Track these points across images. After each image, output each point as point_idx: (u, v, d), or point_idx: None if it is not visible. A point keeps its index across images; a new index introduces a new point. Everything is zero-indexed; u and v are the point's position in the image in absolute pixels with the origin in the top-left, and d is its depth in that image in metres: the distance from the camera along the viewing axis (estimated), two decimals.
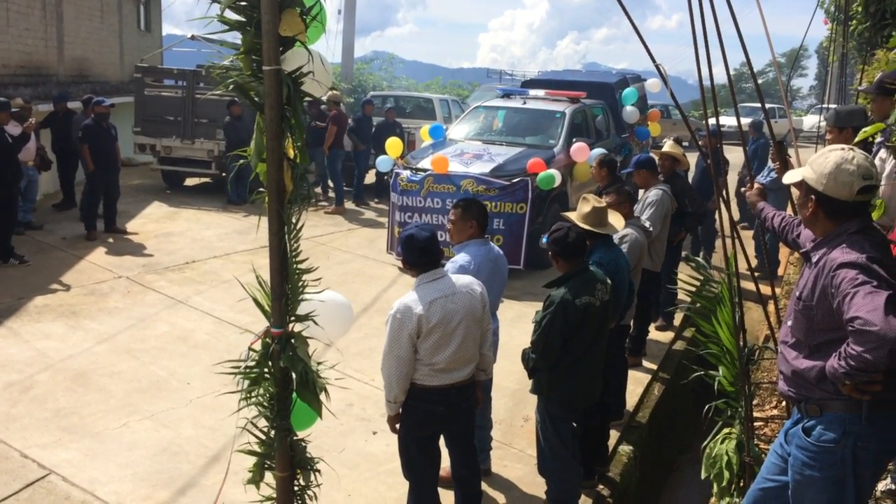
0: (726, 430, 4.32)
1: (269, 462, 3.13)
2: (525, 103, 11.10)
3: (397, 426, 3.79)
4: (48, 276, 8.20)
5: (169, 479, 4.57)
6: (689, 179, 9.04)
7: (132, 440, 4.98)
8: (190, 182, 14.02)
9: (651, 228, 5.99)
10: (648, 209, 6.36)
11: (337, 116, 12.28)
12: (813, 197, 2.87)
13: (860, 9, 8.38)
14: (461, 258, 4.27)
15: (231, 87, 2.83)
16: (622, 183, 6.97)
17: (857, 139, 3.61)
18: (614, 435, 5.35)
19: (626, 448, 5.36)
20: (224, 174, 12.57)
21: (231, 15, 2.76)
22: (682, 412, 6.49)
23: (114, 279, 8.29)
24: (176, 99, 13.04)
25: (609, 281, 4.21)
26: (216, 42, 2.87)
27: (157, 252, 9.44)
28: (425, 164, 9.18)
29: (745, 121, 24.17)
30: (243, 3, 2.72)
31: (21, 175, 9.12)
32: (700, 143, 9.13)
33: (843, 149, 2.85)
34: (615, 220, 4.70)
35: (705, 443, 4.42)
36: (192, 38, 15.46)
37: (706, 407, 4.58)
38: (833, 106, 16.16)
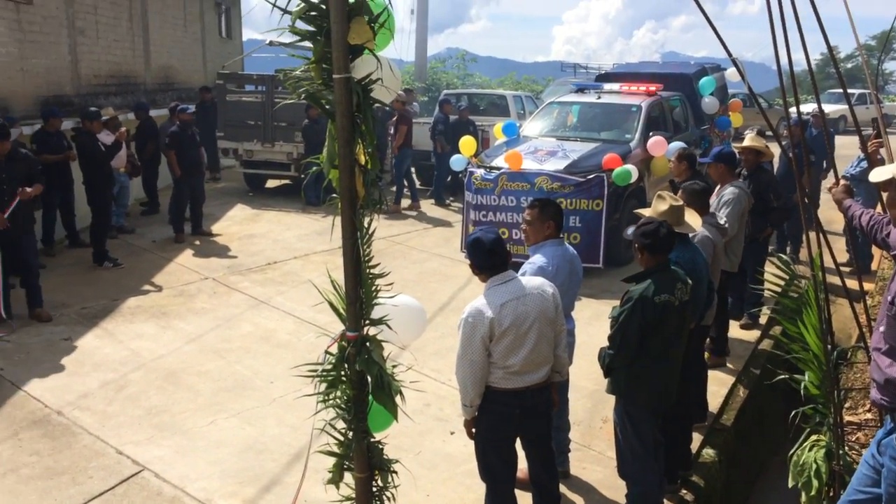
0: (814, 437, 4.15)
1: (347, 463, 3.19)
2: (600, 98, 10.93)
3: (473, 430, 3.79)
4: (140, 278, 8.57)
5: (254, 477, 4.71)
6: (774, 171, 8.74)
7: (219, 438, 5.16)
8: (271, 184, 14.38)
9: (727, 226, 5.76)
10: (724, 207, 6.12)
11: (404, 116, 12.37)
12: None
13: None
14: (539, 259, 4.25)
15: (303, 95, 2.90)
16: (701, 177, 6.77)
17: None
18: (697, 438, 5.21)
19: (710, 451, 5.21)
20: (303, 176, 12.84)
21: (302, 25, 2.83)
22: (769, 414, 6.27)
23: (201, 280, 8.59)
24: (256, 104, 13.38)
25: (689, 281, 4.11)
26: (292, 48, 2.93)
27: (240, 253, 9.74)
28: (499, 162, 9.15)
29: (831, 108, 23.12)
30: (313, 14, 2.78)
31: (114, 181, 9.56)
32: (783, 133, 8.80)
33: None
34: (692, 218, 4.58)
35: (792, 450, 4.26)
36: (270, 43, 15.83)
37: (793, 412, 4.41)
38: None
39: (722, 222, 5.52)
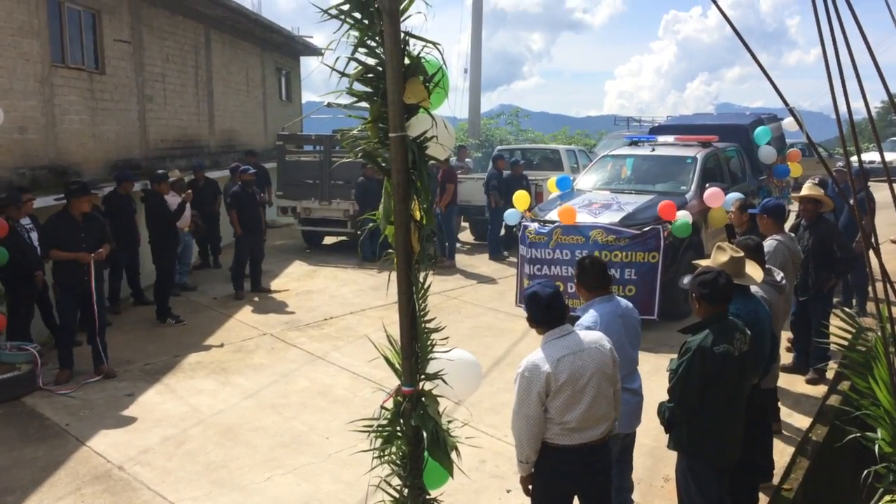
0: (888, 497, 3.95)
1: None
2: (654, 150, 10.89)
3: (530, 487, 3.72)
4: (201, 335, 8.76)
5: None
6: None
7: (275, 494, 5.17)
8: (328, 241, 14.64)
9: (784, 282, 5.53)
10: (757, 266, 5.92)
11: (449, 173, 12.48)
12: None
13: None
14: (586, 319, 4.19)
15: (360, 154, 2.98)
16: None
17: None
18: (764, 499, 5.01)
19: None
20: (359, 232, 13.06)
21: (359, 87, 2.93)
22: (839, 473, 6.00)
23: (259, 336, 8.73)
24: (314, 163, 13.75)
25: (748, 332, 4.01)
26: (349, 108, 3.03)
27: (298, 309, 9.88)
28: (553, 215, 9.15)
29: (892, 156, 22.57)
30: (370, 76, 2.88)
31: (179, 241, 9.88)
32: (840, 181, 8.61)
33: None
34: (753, 270, 4.49)
35: None
36: (328, 105, 16.34)
37: (864, 472, 4.21)
38: None
39: (778, 279, 5.32)
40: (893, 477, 4.02)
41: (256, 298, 10.42)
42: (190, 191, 10.31)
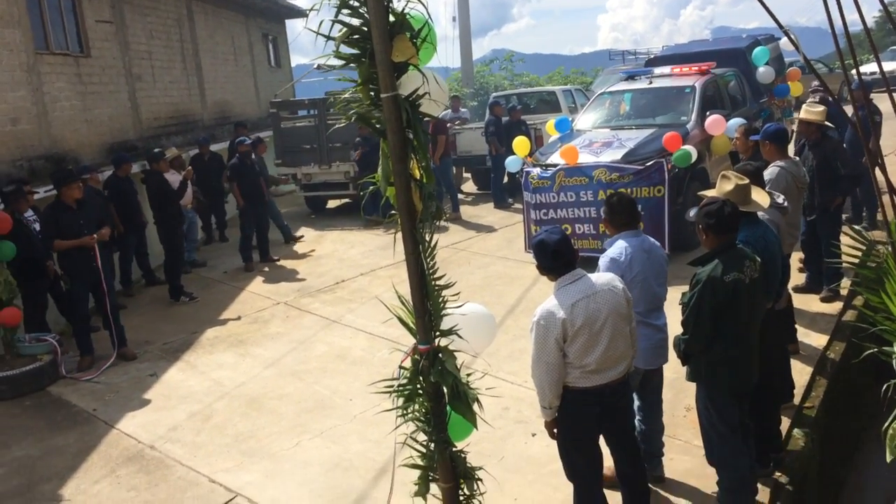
0: None
1: (432, 474, 3.22)
2: (651, 83, 10.74)
3: (555, 430, 3.77)
4: (216, 309, 8.82)
5: (343, 494, 4.80)
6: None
7: (305, 458, 5.26)
8: (332, 204, 14.63)
9: (786, 204, 5.48)
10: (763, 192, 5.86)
11: (438, 126, 12.29)
12: None
13: None
14: (612, 251, 4.23)
15: (353, 118, 2.95)
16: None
17: None
18: (787, 419, 5.07)
19: (800, 431, 5.06)
20: (361, 194, 13.02)
21: (346, 49, 2.88)
22: (861, 389, 6.04)
23: (273, 306, 8.79)
24: (310, 128, 13.64)
25: (758, 259, 4.00)
26: (339, 72, 2.99)
27: (309, 276, 9.93)
28: (554, 158, 9.09)
29: (890, 66, 22.17)
30: (356, 37, 2.83)
31: (184, 219, 9.89)
32: (846, 96, 8.50)
33: None
34: (759, 196, 4.45)
35: (886, 423, 4.09)
36: (318, 68, 16.17)
37: (884, 386, 4.24)
38: None
39: (780, 201, 5.28)
40: None
41: (266, 269, 10.46)
42: (190, 167, 10.27)
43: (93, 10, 10.82)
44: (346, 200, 14.22)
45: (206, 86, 14.96)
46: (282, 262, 10.67)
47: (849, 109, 7.07)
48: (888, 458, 4.01)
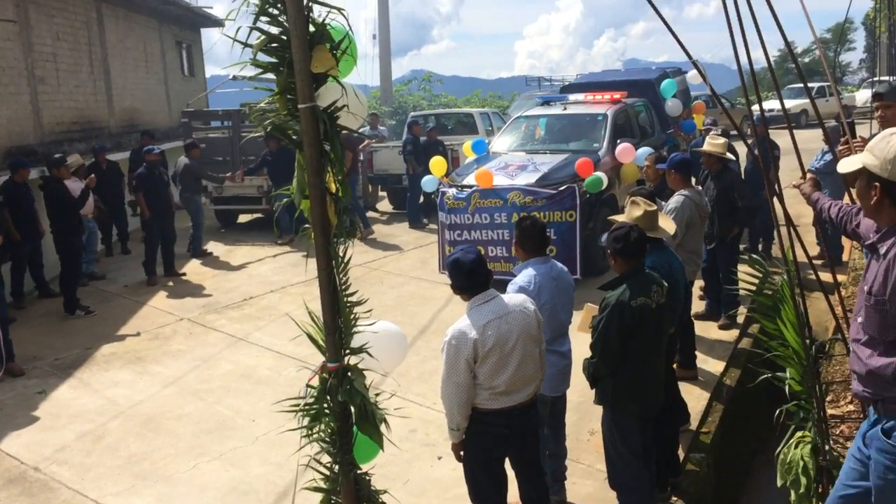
0: (800, 434, 4.14)
1: (335, 498, 3.13)
2: (565, 109, 11.01)
3: (462, 453, 3.74)
4: (113, 325, 8.43)
5: None
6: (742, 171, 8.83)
7: (203, 482, 5.05)
8: (243, 219, 14.28)
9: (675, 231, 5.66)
10: (668, 216, 6.08)
11: (347, 140, 12.20)
12: (877, 185, 2.72)
13: None
14: (521, 278, 4.22)
15: (269, 128, 2.87)
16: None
17: None
18: (684, 442, 5.20)
19: (697, 456, 5.20)
20: (274, 209, 12.76)
21: (264, 57, 2.80)
22: (754, 413, 6.28)
23: (176, 322, 8.47)
24: (223, 139, 13.32)
25: (665, 283, 4.11)
26: (256, 80, 2.90)
27: (215, 291, 9.62)
28: (470, 180, 9.16)
29: (792, 103, 23.46)
30: (274, 45, 2.75)
31: (83, 229, 9.43)
32: (747, 131, 8.92)
33: None
34: (666, 223, 4.59)
35: (779, 449, 4.25)
36: (234, 78, 15.84)
37: (777, 411, 4.41)
38: (886, 79, 15.60)
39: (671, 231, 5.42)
40: (803, 414, 4.21)
41: (170, 283, 10.08)
42: (93, 175, 9.84)
43: None
44: (259, 215, 13.90)
45: (114, 92, 14.42)
46: (187, 277, 10.32)
47: (742, 145, 7.40)
48: (779, 483, 4.15)
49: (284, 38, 2.74)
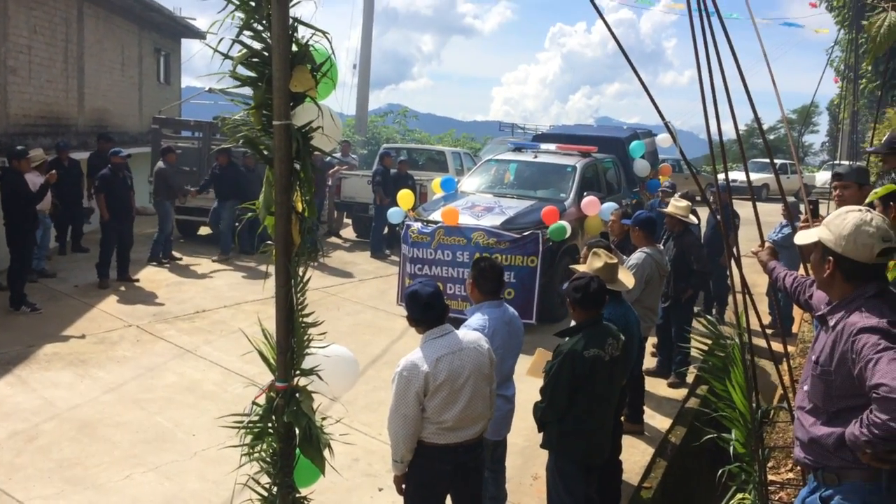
0: (740, 496, 4.20)
1: None
2: (536, 157, 11.17)
3: (403, 486, 3.71)
4: (59, 324, 8.21)
5: None
6: (702, 235, 9.03)
7: (135, 493, 4.91)
8: (203, 231, 14.10)
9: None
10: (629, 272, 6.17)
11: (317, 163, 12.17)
12: (831, 259, 2.81)
13: (870, 68, 8.46)
14: (475, 321, 4.18)
15: (241, 141, 2.87)
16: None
17: (868, 199, 3.57)
18: (625, 496, 5.21)
19: None
20: (237, 224, 12.62)
21: (244, 71, 2.81)
22: (696, 473, 6.34)
23: (124, 328, 8.29)
24: (192, 150, 13.20)
25: (622, 337, 4.16)
26: (232, 95, 2.90)
27: (168, 301, 9.46)
28: (436, 216, 9.21)
29: (756, 176, 24.14)
30: (255, 60, 2.77)
31: (38, 224, 9.23)
32: (709, 198, 9.15)
33: (860, 210, 2.80)
34: (625, 277, 4.67)
35: None
36: (210, 91, 15.79)
37: (720, 471, 4.46)
38: (845, 162, 16.17)
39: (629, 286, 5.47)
40: (745, 476, 4.27)
41: (123, 288, 9.89)
42: (54, 171, 9.67)
43: None
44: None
45: (86, 91, 14.26)
46: (140, 284, 10.13)
47: (704, 211, 7.59)
48: None
49: (266, 54, 2.76)
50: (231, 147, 11.65)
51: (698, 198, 8.37)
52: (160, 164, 11.51)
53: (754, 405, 4.10)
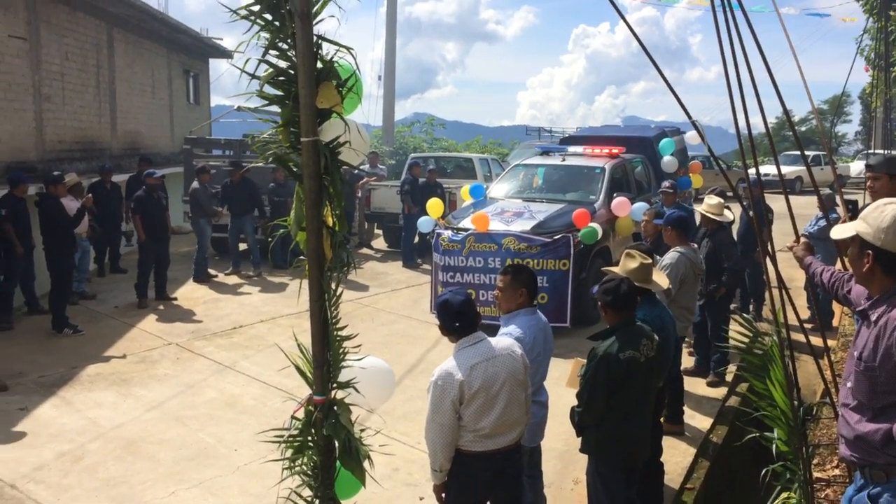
0: (785, 495, 4.13)
1: None
2: (564, 160, 11.14)
3: (443, 495, 3.71)
4: (101, 345, 8.38)
5: None
6: (735, 231, 8.92)
7: None
8: (241, 247, 14.26)
9: (669, 286, 5.69)
10: (663, 272, 6.13)
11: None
12: (870, 252, 2.76)
13: None
14: (515, 331, 4.09)
15: (270, 159, 2.91)
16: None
17: None
18: (668, 498, 5.16)
19: None
20: (270, 239, 12.74)
21: (271, 90, 2.86)
22: (739, 473, 6.25)
23: (164, 346, 8.42)
24: (225, 169, 13.38)
25: (656, 337, 4.13)
26: (260, 113, 2.96)
27: (205, 318, 9.60)
28: (466, 223, 9.23)
29: (788, 169, 23.82)
30: (281, 79, 2.81)
31: (76, 247, 9.44)
32: (741, 193, 9.03)
33: None
34: (659, 278, 4.63)
35: None
36: (238, 109, 16.01)
37: (763, 471, 4.40)
38: (880, 151, 15.84)
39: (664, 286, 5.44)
40: (790, 475, 4.20)
41: (161, 307, 10.06)
42: (90, 195, 9.90)
43: (7, 23, 10.43)
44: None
45: (118, 114, 14.54)
46: (178, 302, 10.30)
47: (737, 206, 7.49)
48: None
49: (292, 72, 2.80)
50: (240, 163, 11.93)
51: (730, 194, 8.25)
52: (195, 183, 11.69)
53: (796, 402, 4.03)
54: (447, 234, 9.15)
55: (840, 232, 2.96)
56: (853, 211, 4.83)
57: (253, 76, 2.81)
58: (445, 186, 13.50)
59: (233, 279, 11.82)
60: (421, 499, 5.11)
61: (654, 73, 3.93)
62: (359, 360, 3.04)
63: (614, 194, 9.84)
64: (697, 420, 6.56)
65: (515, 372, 3.63)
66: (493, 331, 4.32)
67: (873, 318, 2.76)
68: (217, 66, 22.56)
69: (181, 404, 6.78)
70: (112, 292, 10.78)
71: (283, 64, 2.82)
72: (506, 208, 9.69)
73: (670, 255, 6.30)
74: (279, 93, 2.84)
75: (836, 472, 5.38)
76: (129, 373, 7.54)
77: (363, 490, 3.08)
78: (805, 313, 8.23)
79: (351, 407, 3.02)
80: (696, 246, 6.82)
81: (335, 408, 2.95)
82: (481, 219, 8.96)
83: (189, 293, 10.82)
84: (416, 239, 13.25)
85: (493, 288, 8.50)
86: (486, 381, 3.51)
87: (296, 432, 2.99)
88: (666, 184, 9.28)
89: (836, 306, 9.40)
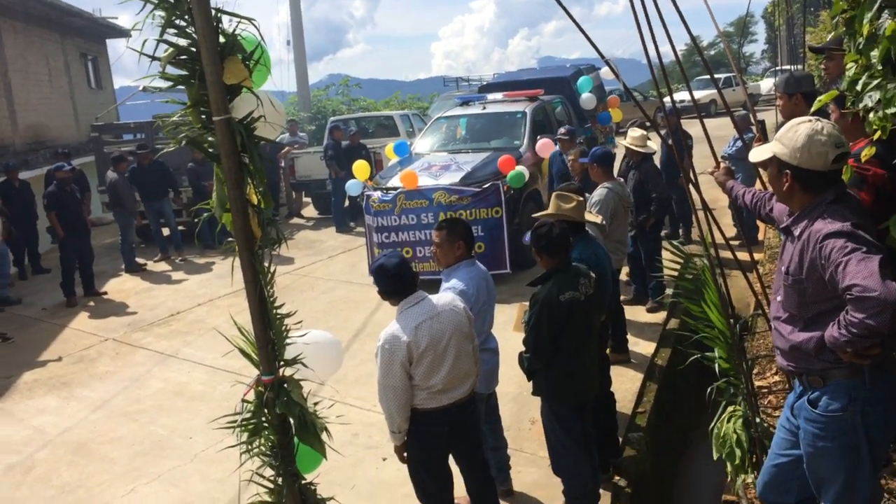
0: (731, 409, 4.30)
1: None
2: (485, 108, 11.14)
3: (405, 454, 3.75)
4: (34, 350, 8.10)
5: None
6: (658, 160, 9.09)
7: None
8: (164, 232, 13.88)
9: (604, 222, 5.83)
10: (594, 208, 6.26)
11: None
12: (788, 172, 2.85)
13: None
14: (457, 284, 4.11)
15: (183, 142, 2.81)
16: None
17: (813, 108, 3.61)
18: (621, 423, 5.34)
19: (635, 435, 5.36)
20: (196, 221, 12.44)
21: (174, 70, 2.74)
22: (686, 391, 6.49)
23: (100, 343, 8.20)
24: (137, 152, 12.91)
25: (592, 275, 4.20)
26: (167, 95, 2.83)
27: (140, 308, 9.36)
28: (395, 182, 9.17)
29: (701, 93, 24.27)
30: (184, 58, 2.70)
31: None
32: (659, 123, 9.20)
33: (810, 120, 2.83)
34: (590, 217, 4.71)
35: (712, 424, 4.41)
36: (144, 90, 15.42)
37: (708, 389, 4.57)
38: (788, 67, 16.26)
39: (599, 221, 5.55)
40: (733, 389, 4.38)
41: (91, 303, 9.75)
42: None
43: None
44: (181, 228, 13.54)
45: (16, 108, 13.85)
46: (109, 296, 10.00)
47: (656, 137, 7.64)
48: (714, 456, 4.32)
49: (194, 49, 2.68)
50: (146, 145, 11.53)
51: (648, 124, 8.40)
52: (111, 173, 11.21)
53: (731, 321, 4.18)
54: (377, 194, 9.08)
55: (757, 155, 3.04)
56: (762, 130, 4.98)
57: (153, 58, 2.68)
58: (369, 147, 13.34)
59: (162, 266, 11.53)
60: (384, 459, 5.16)
61: (565, 11, 3.93)
62: (303, 335, 3.01)
63: (538, 137, 9.90)
64: (641, 346, 6.77)
65: (460, 325, 3.66)
66: (435, 286, 4.35)
67: (796, 233, 2.86)
68: (116, 46, 21.59)
69: (127, 399, 6.63)
70: (38, 294, 10.40)
71: (183, 42, 2.69)
72: (433, 162, 9.65)
73: (599, 192, 6.40)
74: (183, 72, 2.72)
75: (776, 378, 5.64)
76: (68, 375, 7.32)
77: (326, 461, 3.08)
78: (731, 231, 8.50)
79: (301, 382, 3.00)
80: (622, 180, 6.94)
81: (285, 385, 2.92)
82: (409, 176, 8.91)
83: (119, 285, 10.51)
84: (346, 203, 13.11)
85: (430, 244, 8.57)
86: (432, 338, 3.53)
87: (249, 415, 2.95)
88: (562, 130, 9.31)
89: (760, 221, 9.74)
